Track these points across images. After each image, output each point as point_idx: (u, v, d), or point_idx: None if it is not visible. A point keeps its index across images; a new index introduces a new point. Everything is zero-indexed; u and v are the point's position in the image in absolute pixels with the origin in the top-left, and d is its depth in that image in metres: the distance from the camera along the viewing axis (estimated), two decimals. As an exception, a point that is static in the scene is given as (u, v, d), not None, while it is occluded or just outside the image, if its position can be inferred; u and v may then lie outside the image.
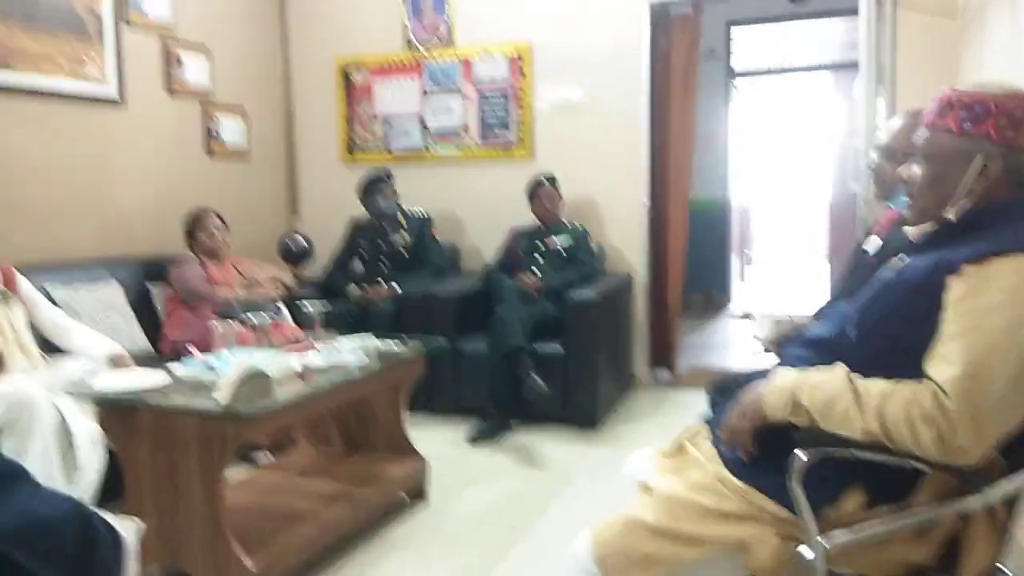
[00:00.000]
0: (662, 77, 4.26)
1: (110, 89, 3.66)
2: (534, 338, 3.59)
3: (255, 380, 2.07)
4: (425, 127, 4.56)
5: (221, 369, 2.20)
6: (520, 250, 4.08)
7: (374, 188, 4.12)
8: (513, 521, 2.67)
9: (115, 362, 2.68)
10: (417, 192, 4.43)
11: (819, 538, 1.21)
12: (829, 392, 1.21)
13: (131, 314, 3.40)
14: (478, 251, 4.51)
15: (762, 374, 1.92)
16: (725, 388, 2.27)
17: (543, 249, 4.02)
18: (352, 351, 2.51)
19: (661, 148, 4.31)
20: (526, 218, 4.13)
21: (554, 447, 3.42)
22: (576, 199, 4.21)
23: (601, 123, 4.21)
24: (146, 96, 3.88)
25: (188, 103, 4.14)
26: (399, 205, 4.22)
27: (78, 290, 3.22)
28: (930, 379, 1.13)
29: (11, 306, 2.60)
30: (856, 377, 1.20)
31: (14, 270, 2.73)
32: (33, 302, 2.73)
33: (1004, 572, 1.21)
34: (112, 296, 3.36)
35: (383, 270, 4.16)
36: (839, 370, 1.23)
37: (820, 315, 2.10)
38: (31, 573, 0.62)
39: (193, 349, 2.49)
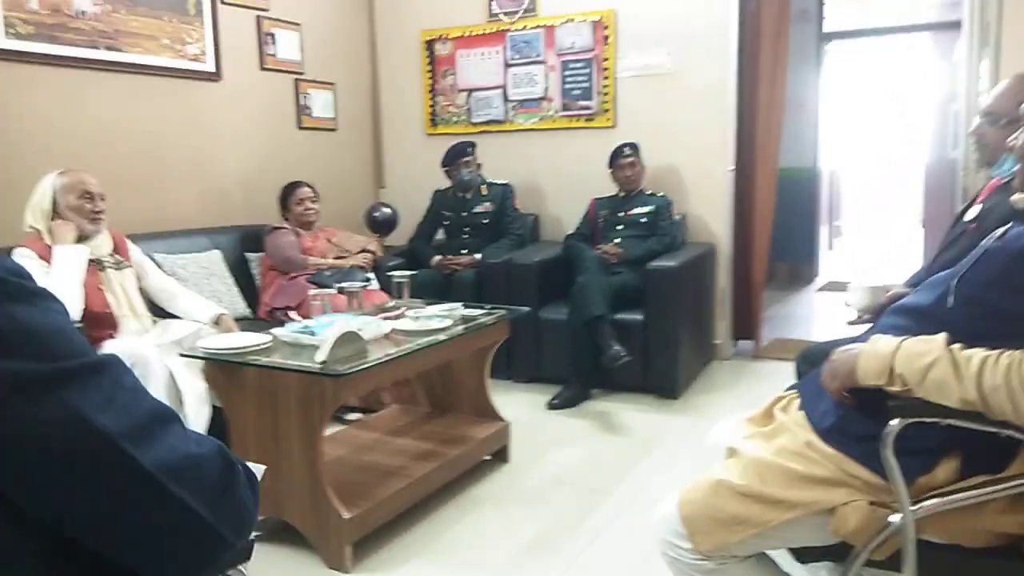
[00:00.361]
0: (751, 41, 4.15)
1: (208, 65, 3.83)
2: (614, 307, 3.60)
3: (350, 342, 2.18)
4: (507, 98, 4.59)
5: (319, 332, 2.31)
6: (600, 219, 4.09)
7: (458, 159, 4.19)
8: (593, 484, 2.72)
9: (219, 324, 2.85)
10: (498, 162, 4.47)
11: (910, 506, 1.21)
12: (927, 360, 1.20)
13: (231, 280, 3.58)
14: (558, 220, 4.53)
15: (853, 342, 1.91)
16: (814, 358, 2.27)
17: (623, 217, 4.01)
18: (439, 317, 2.59)
19: (749, 115, 4.21)
20: (607, 188, 4.12)
21: (633, 415, 3.45)
22: (659, 168, 4.17)
23: (686, 91, 4.14)
24: (241, 71, 4.03)
25: (281, 77, 4.28)
26: (481, 176, 4.27)
27: (182, 256, 3.41)
28: (1033, 347, 1.11)
29: (123, 272, 2.79)
30: (955, 346, 1.19)
31: (125, 238, 2.92)
32: (143, 268, 2.92)
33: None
34: (213, 263, 3.55)
35: (465, 239, 4.24)
36: (939, 338, 1.21)
37: (917, 282, 2.06)
38: (186, 505, 0.70)
39: (293, 314, 2.61)
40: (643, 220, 3.96)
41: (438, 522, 2.45)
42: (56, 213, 2.68)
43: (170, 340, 2.67)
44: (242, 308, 3.51)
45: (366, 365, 2.13)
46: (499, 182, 4.30)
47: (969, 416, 1.16)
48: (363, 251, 3.94)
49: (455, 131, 4.74)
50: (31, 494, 0.65)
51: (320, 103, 4.55)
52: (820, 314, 5.82)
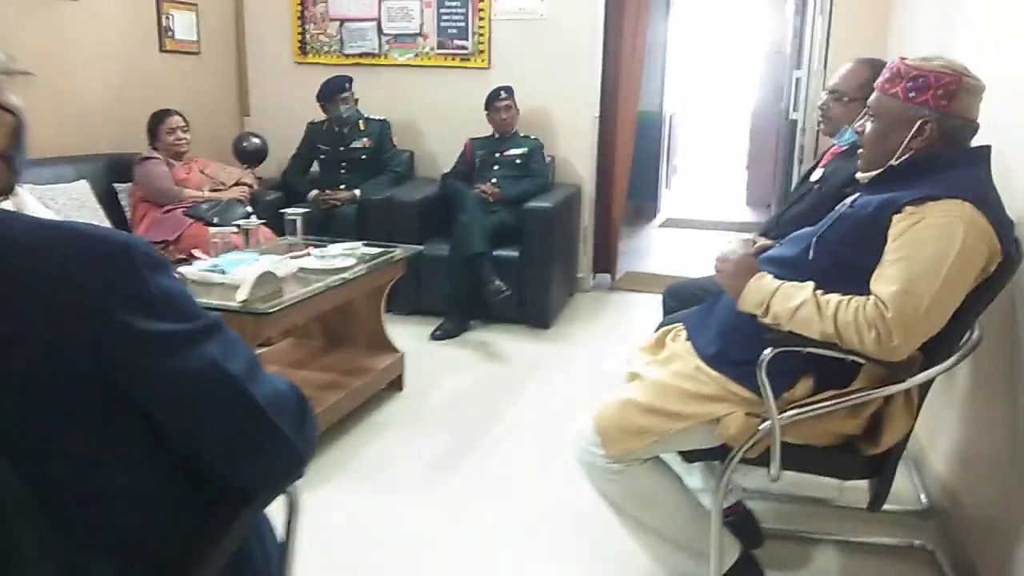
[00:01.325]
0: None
1: (64, -21, 3.56)
2: (492, 244, 3.84)
3: (268, 281, 2.27)
4: (382, 31, 4.59)
5: (230, 271, 2.37)
6: (477, 159, 4.26)
7: (336, 95, 4.18)
8: (482, 408, 2.99)
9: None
10: (372, 97, 4.49)
11: (776, 415, 1.55)
12: (797, 301, 1.52)
13: (101, 212, 3.46)
14: (433, 157, 4.65)
15: (708, 286, 2.27)
16: (677, 294, 2.63)
17: (499, 159, 4.21)
18: (344, 256, 2.71)
19: (614, 63, 4.49)
20: (481, 126, 4.27)
21: (511, 344, 3.74)
22: (530, 111, 4.38)
23: (558, 36, 4.34)
24: (99, -13, 3.77)
25: (141, -4, 4.04)
26: (359, 111, 4.30)
27: (50, 187, 3.25)
28: (874, 294, 1.46)
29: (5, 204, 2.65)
30: (819, 291, 1.52)
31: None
32: (26, 205, 2.77)
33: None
34: (82, 194, 3.41)
35: (343, 174, 4.28)
36: (808, 285, 1.54)
37: (766, 231, 2.45)
38: (282, 432, 0.86)
39: (199, 253, 2.63)
40: (517, 161, 4.18)
41: (346, 447, 2.63)
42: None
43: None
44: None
45: (286, 304, 2.24)
46: (377, 118, 4.35)
47: (825, 346, 1.51)
48: (238, 183, 3.90)
49: (326, 61, 4.69)
50: (172, 425, 0.79)
51: (183, 25, 4.33)
52: (662, 248, 6.37)
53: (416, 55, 4.58)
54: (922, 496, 2.29)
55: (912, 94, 1.54)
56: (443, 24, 4.48)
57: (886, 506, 1.90)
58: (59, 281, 0.70)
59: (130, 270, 0.73)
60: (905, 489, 2.35)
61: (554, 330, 3.98)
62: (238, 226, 2.91)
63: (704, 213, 8.14)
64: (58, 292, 0.70)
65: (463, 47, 4.49)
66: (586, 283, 4.71)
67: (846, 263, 1.55)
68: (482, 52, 4.46)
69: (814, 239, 1.62)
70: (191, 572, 0.82)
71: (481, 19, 4.42)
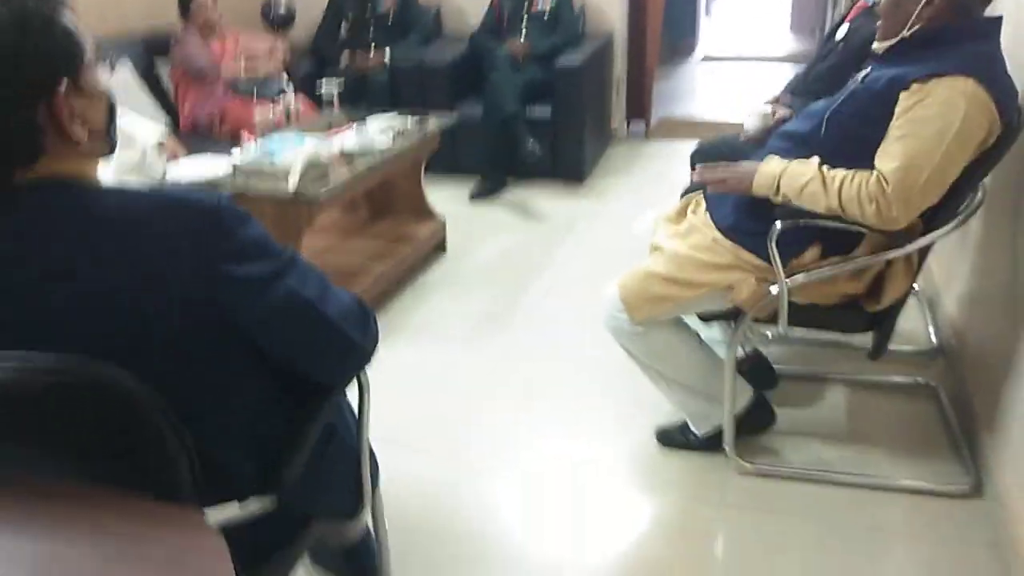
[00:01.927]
0: None
1: None
2: (524, 103, 3.88)
3: (315, 167, 2.43)
4: None
5: (278, 156, 2.53)
6: (505, 12, 4.21)
7: (358, -49, 4.10)
8: (523, 266, 3.19)
9: (164, 148, 2.96)
10: (395, -51, 4.38)
11: (785, 280, 1.71)
12: (804, 179, 1.63)
13: (146, 95, 3.58)
14: (461, 13, 4.59)
15: (735, 144, 2.36)
16: (706, 154, 2.73)
17: (527, 12, 4.15)
18: (382, 132, 2.83)
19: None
20: (509, -22, 4.19)
21: (547, 201, 3.88)
22: (558, -44, 4.25)
23: None
24: None
25: None
26: (384, -32, 4.23)
27: (95, 74, 3.37)
28: (877, 169, 1.56)
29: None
30: (825, 167, 1.63)
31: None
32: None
33: (914, 290, 1.75)
34: (127, 78, 3.52)
35: (369, 37, 4.28)
36: (814, 162, 1.64)
37: (795, 89, 2.49)
38: (351, 338, 1.07)
39: (245, 135, 2.77)
40: (546, 16, 4.12)
41: (400, 309, 2.88)
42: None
43: (124, 166, 2.78)
44: (164, 121, 3.56)
45: (332, 190, 2.41)
46: (402, -24, 4.27)
47: (831, 218, 1.63)
48: (272, 53, 3.95)
49: (346, -86, 4.54)
50: (271, 346, 1.00)
51: None
52: (701, 88, 6.26)
53: (437, -98, 4.40)
54: (932, 336, 2.46)
55: (922, -36, 1.55)
56: None
57: (897, 347, 2.08)
58: (164, 249, 0.88)
59: (222, 230, 0.90)
60: (918, 329, 2.52)
61: (588, 184, 4.09)
62: (274, 100, 3.00)
63: (746, 44, 7.86)
64: (167, 258, 0.88)
65: None
66: (620, 132, 4.75)
67: (855, 137, 1.63)
68: None
69: (827, 114, 1.70)
70: (295, 448, 1.05)
71: None
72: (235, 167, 2.54)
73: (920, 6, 1.58)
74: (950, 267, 2.51)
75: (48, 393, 0.80)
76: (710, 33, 8.19)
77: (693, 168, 2.68)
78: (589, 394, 2.32)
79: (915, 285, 1.81)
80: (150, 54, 3.74)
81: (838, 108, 1.68)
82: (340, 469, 1.22)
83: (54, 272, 0.86)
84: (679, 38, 7.32)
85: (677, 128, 5.01)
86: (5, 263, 0.86)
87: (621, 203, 3.83)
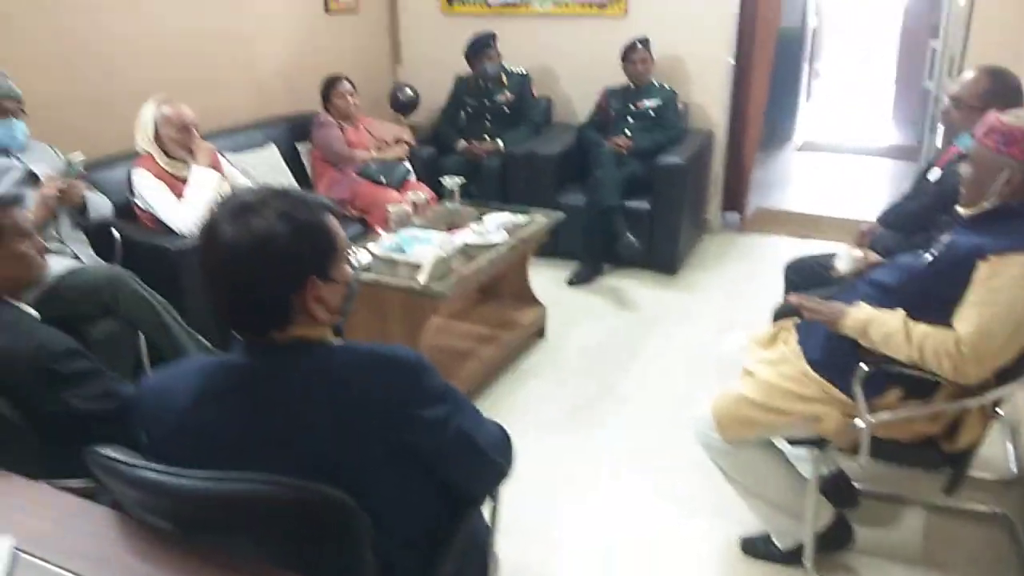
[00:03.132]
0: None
1: (247, -39, 4.01)
2: (625, 196, 4.15)
3: (442, 264, 2.74)
4: (524, -19, 4.81)
5: (409, 250, 2.85)
6: (612, 109, 4.51)
7: (480, 50, 4.50)
8: (616, 356, 3.41)
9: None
10: (513, 45, 4.77)
11: (869, 416, 1.88)
12: (890, 328, 1.82)
13: (289, 174, 4.02)
14: (570, 103, 4.93)
15: (828, 266, 2.54)
16: (801, 269, 2.91)
17: (633, 110, 4.44)
18: (498, 229, 3.13)
19: (750, 6, 4.52)
20: (616, 73, 4.48)
21: (640, 290, 4.11)
22: (665, 58, 4.53)
23: (694, -15, 4.43)
24: (275, -37, 4.21)
25: (309, -35, 4.46)
26: (503, 65, 4.61)
27: (247, 155, 3.82)
28: (955, 329, 1.73)
29: (222, 185, 3.24)
30: (909, 321, 1.81)
31: (216, 152, 3.34)
32: (233, 177, 3.36)
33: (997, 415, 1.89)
34: (273, 157, 3.97)
35: (486, 125, 4.66)
36: (899, 314, 1.83)
37: (888, 220, 2.66)
38: (498, 463, 1.33)
39: (380, 229, 3.12)
40: (651, 113, 4.40)
41: (500, 393, 3.14)
42: (158, 139, 3.08)
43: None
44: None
45: (457, 285, 2.71)
46: (518, 71, 4.65)
47: (913, 367, 1.81)
48: (398, 140, 4.36)
49: (471, 11, 4.99)
50: (440, 470, 1.26)
51: (344, -14, 4.73)
52: (799, 178, 6.39)
53: (556, 4, 4.79)
54: (1012, 465, 2.55)
55: (1002, 147, 1.74)
56: (582, -26, 4.64)
57: (977, 473, 2.19)
58: (375, 396, 1.16)
59: (418, 381, 1.18)
60: (999, 457, 2.61)
61: (681, 276, 4.30)
62: (401, 187, 3.36)
63: (845, 134, 7.94)
64: (376, 403, 1.15)
65: (601, -4, 4.65)
66: (714, 224, 4.94)
67: (936, 295, 1.81)
68: (619, 1, 4.61)
69: (912, 270, 1.88)
70: (449, 546, 1.31)
71: (619, -32, 4.54)
72: (373, 256, 2.88)
73: (1000, 184, 1.76)
74: (1035, 399, 2.60)
75: (291, 505, 1.08)
76: (809, 119, 8.30)
77: (786, 279, 2.89)
78: (675, 494, 2.50)
79: (998, 410, 1.94)
80: (292, 136, 4.20)
81: (923, 268, 1.87)
82: (475, 562, 1.47)
83: (293, 409, 1.15)
84: (778, 123, 7.49)
85: (772, 220, 5.18)
86: (259, 397, 1.15)
87: (711, 299, 4.02)
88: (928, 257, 1.88)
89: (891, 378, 1.88)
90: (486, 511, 1.51)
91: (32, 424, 1.51)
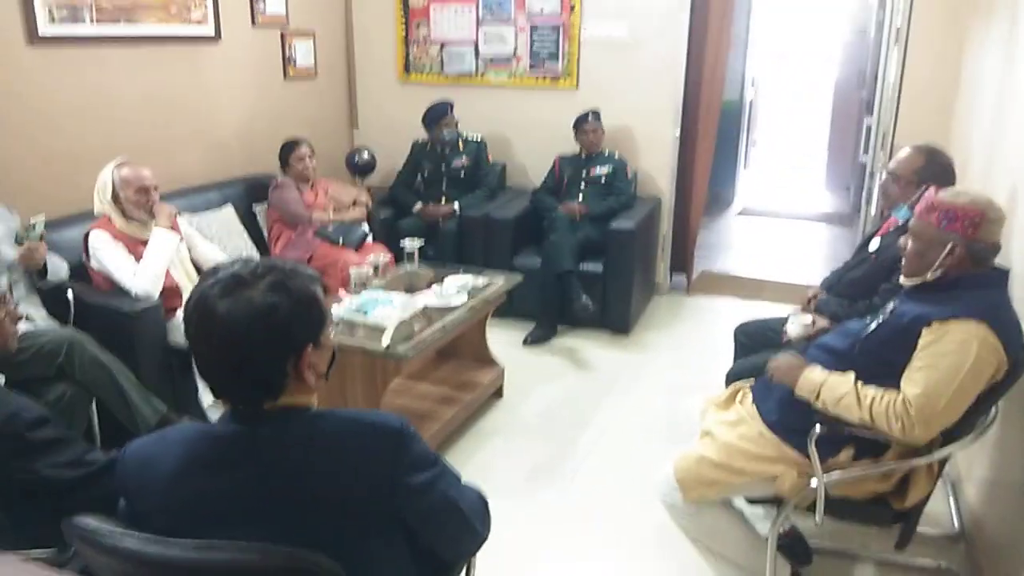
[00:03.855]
0: (700, 14, 4.65)
1: (209, 29, 4.08)
2: (578, 259, 4.26)
3: (404, 326, 2.77)
4: (479, 54, 4.98)
5: (370, 313, 2.88)
6: (564, 176, 4.66)
7: (438, 118, 4.62)
8: (573, 416, 3.46)
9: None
10: (469, 113, 4.90)
11: (822, 477, 1.96)
12: (841, 391, 1.92)
13: (245, 234, 4.02)
14: (524, 169, 5.08)
15: (777, 329, 2.65)
16: (751, 332, 3.02)
17: (586, 176, 4.60)
18: (458, 291, 3.19)
19: (695, 82, 4.77)
20: (568, 142, 4.65)
21: (595, 350, 4.19)
22: (615, 128, 4.72)
23: (643, 60, 4.65)
24: (236, 30, 4.28)
25: (270, 32, 4.54)
26: (459, 132, 4.73)
27: (204, 216, 3.81)
28: (902, 392, 1.84)
29: (180, 246, 3.22)
30: (859, 384, 1.91)
31: (176, 214, 3.32)
32: (192, 240, 3.35)
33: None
34: (230, 220, 3.97)
35: (443, 189, 4.75)
36: (850, 377, 1.93)
37: (830, 286, 2.80)
38: (475, 528, 1.35)
39: (342, 292, 3.14)
40: (603, 180, 4.57)
41: (459, 453, 3.14)
42: (117, 201, 3.06)
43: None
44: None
45: (419, 346, 2.74)
46: (474, 139, 4.78)
47: (863, 427, 1.91)
48: (356, 202, 4.41)
49: (428, 80, 5.13)
50: (422, 533, 1.28)
51: (302, 52, 4.83)
52: (739, 241, 6.64)
53: (510, 76, 4.96)
54: (955, 521, 2.66)
55: (944, 223, 1.89)
56: (535, 48, 4.84)
57: (925, 529, 2.28)
58: (362, 463, 1.18)
59: (403, 449, 1.21)
60: (943, 512, 2.72)
61: (633, 336, 4.40)
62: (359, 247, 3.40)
63: (783, 199, 8.31)
64: (363, 470, 1.18)
65: (553, 69, 4.85)
66: (663, 286, 5.09)
67: (884, 360, 1.93)
68: (571, 74, 4.82)
69: (860, 337, 2.00)
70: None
71: (571, 44, 4.76)
72: (335, 318, 2.89)
73: (942, 256, 1.90)
74: (970, 455, 2.73)
75: (279, 571, 1.09)
76: (747, 185, 8.67)
77: (736, 341, 3.00)
78: (635, 555, 2.53)
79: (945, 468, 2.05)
80: (249, 198, 4.21)
81: (870, 334, 1.98)
82: None
83: (281, 478, 1.16)
84: (718, 189, 7.79)
85: (717, 283, 5.36)
86: (247, 466, 1.16)
87: (664, 357, 4.12)
88: (874, 324, 2.00)
89: (844, 439, 1.98)
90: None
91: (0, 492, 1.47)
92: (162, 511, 1.17)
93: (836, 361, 2.02)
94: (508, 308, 4.44)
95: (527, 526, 2.67)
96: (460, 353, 3.64)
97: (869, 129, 4.33)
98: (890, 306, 2.02)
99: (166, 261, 3.02)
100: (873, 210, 4.15)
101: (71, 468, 1.53)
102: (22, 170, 3.21)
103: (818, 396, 1.97)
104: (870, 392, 1.89)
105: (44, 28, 3.21)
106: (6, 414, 1.50)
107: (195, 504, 1.16)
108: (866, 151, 4.38)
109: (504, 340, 4.21)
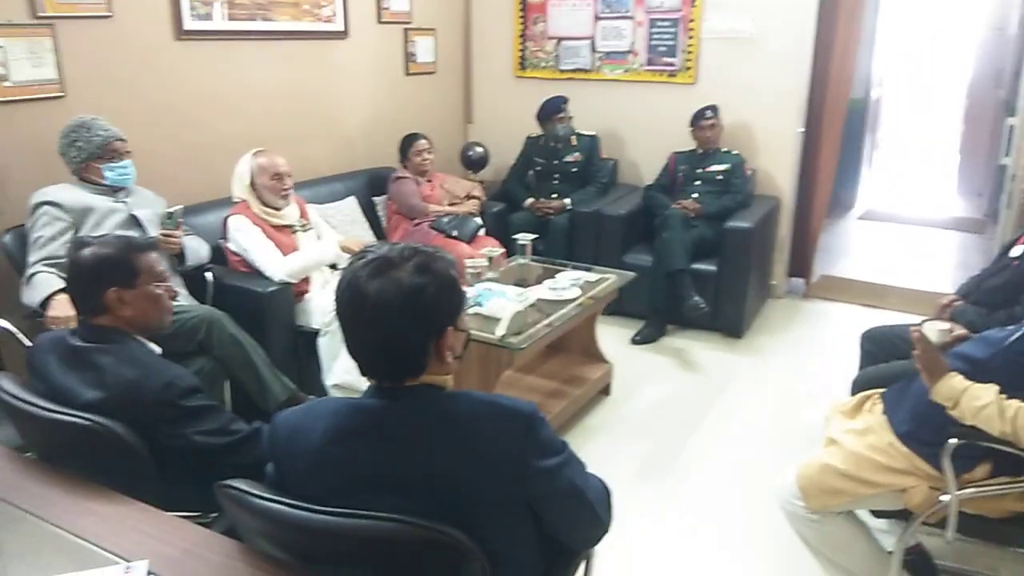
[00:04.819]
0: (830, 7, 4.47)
1: (338, 25, 4.25)
2: (691, 259, 4.19)
3: (519, 318, 2.81)
4: (595, 48, 4.97)
5: (485, 304, 2.93)
6: (679, 173, 4.59)
7: (553, 115, 4.64)
8: (682, 418, 3.41)
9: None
10: (583, 108, 4.90)
11: (956, 492, 1.86)
12: (983, 402, 1.81)
13: (367, 225, 4.17)
14: (636, 166, 5.03)
15: (906, 338, 2.53)
16: (877, 338, 2.90)
17: (701, 174, 4.52)
18: (571, 286, 3.21)
19: (821, 80, 4.60)
20: (684, 139, 4.57)
21: (706, 353, 4.11)
22: (733, 125, 4.61)
23: (766, 55, 4.51)
24: (363, 27, 4.45)
25: (393, 28, 4.69)
26: (572, 128, 4.74)
27: (329, 206, 3.99)
28: (1052, 407, 1.73)
29: (308, 233, 3.38)
30: (1003, 396, 1.80)
31: (304, 202, 3.50)
32: (320, 227, 3.51)
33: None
34: (353, 210, 4.13)
35: (555, 184, 4.77)
36: (993, 388, 1.82)
37: (966, 293, 2.66)
38: (599, 515, 1.36)
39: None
40: (719, 178, 4.47)
41: (568, 448, 3.16)
42: (254, 187, 3.24)
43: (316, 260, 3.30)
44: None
45: (533, 339, 2.77)
46: (587, 134, 4.78)
47: (1003, 442, 1.80)
48: (469, 196, 4.50)
49: (542, 75, 5.16)
50: (548, 518, 1.30)
51: (423, 49, 4.96)
52: (860, 246, 6.35)
53: (626, 71, 4.93)
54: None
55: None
56: (653, 43, 4.79)
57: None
58: (494, 444, 1.22)
59: (533, 433, 1.23)
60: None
61: (747, 340, 4.29)
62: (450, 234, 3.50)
63: (908, 204, 7.89)
64: (494, 450, 1.21)
65: (671, 63, 4.78)
66: (780, 289, 4.94)
67: (1029, 373, 1.81)
68: (689, 69, 4.74)
69: (1003, 346, 1.88)
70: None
71: (690, 38, 4.68)
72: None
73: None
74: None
75: (416, 545, 1.14)
76: (870, 188, 8.27)
77: (863, 349, 2.88)
78: (747, 560, 2.48)
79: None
80: (370, 190, 4.37)
81: (1013, 344, 1.87)
82: None
83: (420, 451, 1.21)
84: (840, 191, 7.46)
85: (837, 288, 5.15)
86: (390, 438, 1.22)
87: (779, 363, 4.00)
88: (1019, 333, 1.88)
89: (981, 452, 1.87)
90: (580, 568, 1.54)
91: (153, 455, 1.59)
92: (309, 476, 1.24)
93: (975, 371, 1.90)
94: (618, 305, 4.44)
95: (637, 522, 2.66)
96: (570, 348, 3.65)
97: (1012, 129, 4.05)
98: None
99: (316, 267, 3.21)
100: (1015, 215, 3.89)
101: (218, 435, 1.64)
102: (166, 159, 3.44)
103: (957, 404, 1.86)
104: (1014, 404, 1.78)
105: (188, 23, 3.43)
106: (164, 381, 1.63)
107: (340, 471, 1.22)
108: (1007, 153, 4.09)
109: (613, 337, 4.19)
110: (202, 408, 1.66)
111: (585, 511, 1.33)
